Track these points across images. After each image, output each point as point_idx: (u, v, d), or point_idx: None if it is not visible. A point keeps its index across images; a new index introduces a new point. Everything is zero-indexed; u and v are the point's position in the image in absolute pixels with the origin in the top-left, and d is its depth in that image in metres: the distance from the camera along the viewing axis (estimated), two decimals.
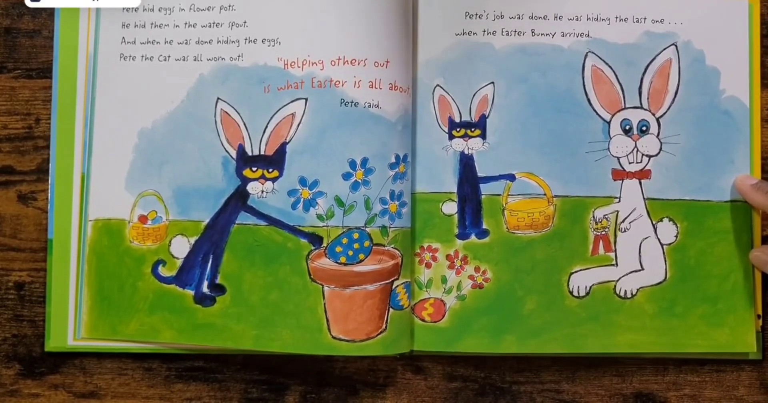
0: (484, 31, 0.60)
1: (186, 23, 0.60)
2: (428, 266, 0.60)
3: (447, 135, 0.60)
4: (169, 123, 0.60)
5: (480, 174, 0.60)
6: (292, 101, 0.57)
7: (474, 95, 0.60)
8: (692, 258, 0.59)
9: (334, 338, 0.56)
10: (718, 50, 0.60)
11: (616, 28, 0.60)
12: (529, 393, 0.61)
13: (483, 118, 0.60)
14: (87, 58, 0.61)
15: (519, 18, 0.60)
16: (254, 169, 0.58)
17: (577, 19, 0.60)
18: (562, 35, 0.60)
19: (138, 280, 0.60)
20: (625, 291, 0.60)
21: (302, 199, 0.57)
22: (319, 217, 0.57)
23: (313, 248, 0.57)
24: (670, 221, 0.60)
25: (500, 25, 0.60)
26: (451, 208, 0.60)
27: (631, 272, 0.60)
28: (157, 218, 0.60)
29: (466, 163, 0.60)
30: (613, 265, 0.60)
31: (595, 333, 0.59)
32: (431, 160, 0.60)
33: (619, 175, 0.60)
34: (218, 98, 0.59)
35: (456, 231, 0.60)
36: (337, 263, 0.56)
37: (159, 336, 0.59)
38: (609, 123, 0.60)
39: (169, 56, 0.60)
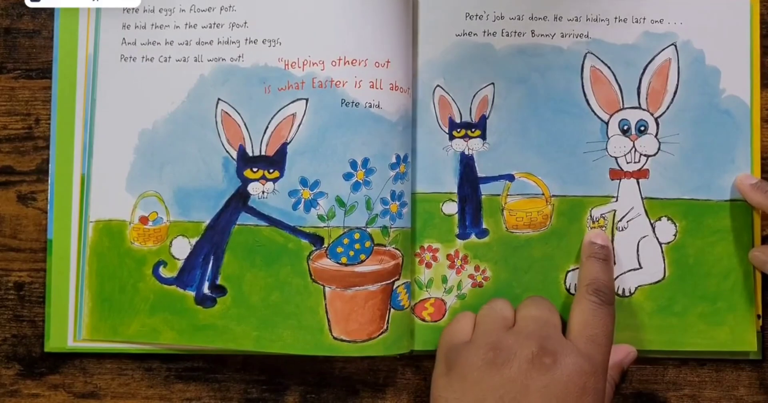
0: (485, 32, 0.60)
1: (186, 24, 0.60)
2: (428, 266, 0.60)
3: (447, 135, 0.60)
4: (170, 124, 0.60)
5: (480, 174, 0.60)
6: (293, 102, 0.57)
7: (474, 96, 0.60)
8: (691, 257, 0.60)
9: (335, 338, 0.56)
10: (718, 50, 0.60)
11: (615, 28, 0.60)
12: None
13: (483, 119, 0.60)
14: (87, 59, 0.61)
15: (519, 19, 0.60)
16: (255, 169, 0.58)
17: (576, 20, 0.60)
18: (562, 36, 0.60)
19: (139, 281, 0.60)
20: (623, 289, 0.60)
21: (303, 200, 0.57)
22: (320, 217, 0.57)
23: (314, 248, 0.57)
24: (668, 220, 0.60)
25: (500, 26, 0.60)
26: (451, 208, 0.60)
27: (629, 271, 0.60)
28: (158, 219, 0.60)
29: (466, 163, 0.60)
30: None
31: None
32: (432, 160, 0.60)
33: (617, 174, 0.60)
34: (219, 99, 0.59)
35: (456, 231, 0.60)
36: (338, 263, 0.56)
37: (160, 337, 0.59)
38: (607, 123, 0.60)
39: (169, 57, 0.60)
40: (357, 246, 0.56)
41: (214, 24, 0.60)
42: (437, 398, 0.52)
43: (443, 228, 0.60)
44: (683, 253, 0.60)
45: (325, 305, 0.56)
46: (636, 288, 0.60)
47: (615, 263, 0.60)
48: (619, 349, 0.57)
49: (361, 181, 0.56)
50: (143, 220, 0.60)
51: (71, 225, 0.61)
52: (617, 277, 0.60)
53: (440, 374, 0.53)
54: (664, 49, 0.60)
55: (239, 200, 0.59)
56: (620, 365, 0.56)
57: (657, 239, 0.60)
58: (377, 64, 0.57)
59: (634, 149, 0.60)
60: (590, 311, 0.53)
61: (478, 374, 0.50)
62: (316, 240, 0.57)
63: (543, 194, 0.60)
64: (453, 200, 0.60)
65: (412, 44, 0.59)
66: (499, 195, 0.60)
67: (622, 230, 0.60)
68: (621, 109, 0.60)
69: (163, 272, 0.60)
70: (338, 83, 0.56)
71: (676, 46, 0.60)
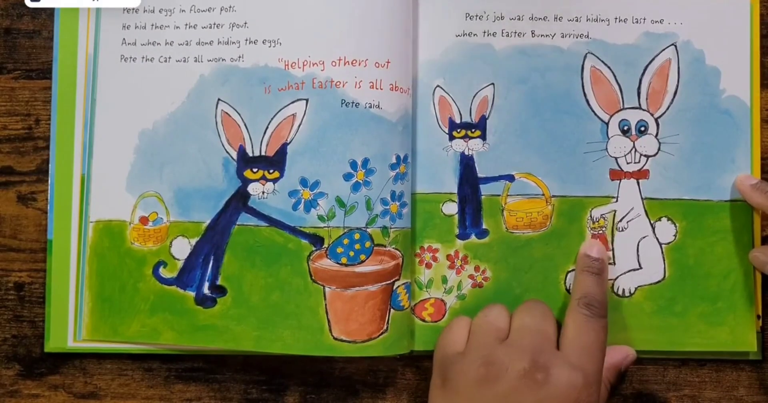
0: (485, 32, 0.60)
1: (186, 24, 0.60)
2: (428, 266, 0.60)
3: (447, 136, 0.60)
4: (170, 124, 0.60)
5: (480, 175, 0.60)
6: (293, 102, 0.57)
7: (474, 96, 0.60)
8: (691, 257, 0.60)
9: (335, 339, 0.56)
10: (718, 50, 0.60)
11: (615, 28, 0.60)
12: None
13: (483, 119, 0.60)
14: (87, 59, 0.61)
15: (519, 19, 0.60)
16: (255, 170, 0.58)
17: (576, 20, 0.60)
18: (562, 36, 0.60)
19: (139, 281, 0.60)
20: (623, 290, 0.60)
21: (303, 200, 0.57)
22: (320, 217, 0.57)
23: (314, 248, 0.57)
24: (668, 220, 0.60)
25: (500, 26, 0.60)
26: (451, 208, 0.60)
27: (629, 271, 0.60)
28: (158, 219, 0.60)
29: (466, 164, 0.60)
30: (610, 263, 0.60)
31: None
32: (432, 160, 0.60)
33: (617, 175, 0.60)
34: (219, 99, 0.59)
35: (456, 231, 0.60)
36: (338, 263, 0.56)
37: (160, 338, 0.59)
38: (607, 124, 0.60)
39: (169, 57, 0.60)
40: (357, 246, 0.56)
41: (214, 24, 0.60)
42: None
43: (443, 228, 0.60)
44: (683, 253, 0.60)
45: (325, 305, 0.56)
46: (636, 288, 0.60)
47: (615, 264, 0.60)
48: (617, 350, 0.57)
49: (361, 181, 0.56)
50: (143, 220, 0.60)
51: (71, 225, 0.61)
52: (617, 277, 0.60)
53: (436, 386, 0.54)
54: (664, 50, 0.60)
55: (239, 201, 0.59)
56: (617, 366, 0.56)
57: (657, 239, 0.60)
58: (377, 65, 0.57)
59: (634, 150, 0.60)
60: (582, 324, 0.53)
61: (471, 390, 0.50)
62: (316, 240, 0.57)
63: (543, 195, 0.60)
64: (453, 201, 0.60)
65: (412, 44, 0.59)
66: (499, 195, 0.60)
67: (622, 230, 0.60)
68: (621, 110, 0.60)
69: (163, 273, 0.60)
70: (338, 84, 0.56)
71: (676, 46, 0.60)
